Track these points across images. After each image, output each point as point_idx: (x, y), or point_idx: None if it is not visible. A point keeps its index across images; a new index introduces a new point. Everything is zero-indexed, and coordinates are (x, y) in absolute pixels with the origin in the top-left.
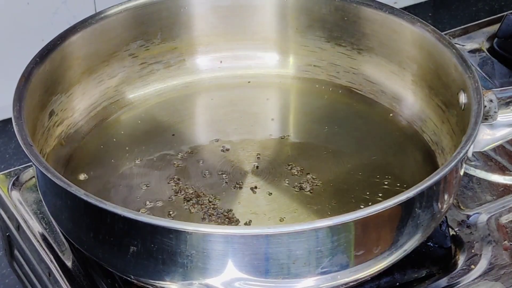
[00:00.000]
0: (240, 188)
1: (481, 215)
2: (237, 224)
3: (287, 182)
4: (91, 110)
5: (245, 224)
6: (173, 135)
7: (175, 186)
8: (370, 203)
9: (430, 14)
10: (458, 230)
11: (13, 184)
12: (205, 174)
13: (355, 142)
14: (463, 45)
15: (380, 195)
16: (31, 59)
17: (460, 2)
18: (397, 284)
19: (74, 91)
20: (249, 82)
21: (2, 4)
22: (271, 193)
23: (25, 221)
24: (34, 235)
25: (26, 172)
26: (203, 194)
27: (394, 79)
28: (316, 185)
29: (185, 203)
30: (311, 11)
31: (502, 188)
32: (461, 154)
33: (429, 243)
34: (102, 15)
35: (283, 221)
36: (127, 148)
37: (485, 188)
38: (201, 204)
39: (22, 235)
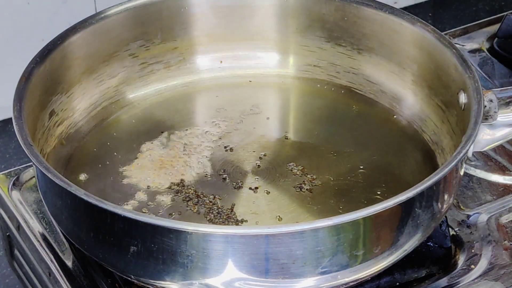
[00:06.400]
0: (240, 188)
1: (481, 215)
2: (237, 224)
3: (287, 182)
4: (91, 110)
5: (245, 223)
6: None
7: (175, 186)
8: (370, 203)
9: (430, 14)
10: (458, 230)
11: (13, 184)
12: (205, 174)
13: (355, 142)
14: (463, 45)
15: (380, 195)
16: (31, 59)
17: (460, 2)
18: (397, 284)
19: (74, 91)
20: (250, 81)
21: (2, 4)
22: (271, 193)
23: (25, 221)
24: (34, 235)
25: (26, 172)
26: (203, 194)
27: (394, 79)
28: (316, 185)
29: (186, 203)
30: (311, 11)
31: (502, 188)
32: (461, 154)
33: (429, 243)
34: (102, 15)
35: (283, 221)
36: (127, 148)
37: (485, 188)
38: (202, 204)
39: (22, 235)
